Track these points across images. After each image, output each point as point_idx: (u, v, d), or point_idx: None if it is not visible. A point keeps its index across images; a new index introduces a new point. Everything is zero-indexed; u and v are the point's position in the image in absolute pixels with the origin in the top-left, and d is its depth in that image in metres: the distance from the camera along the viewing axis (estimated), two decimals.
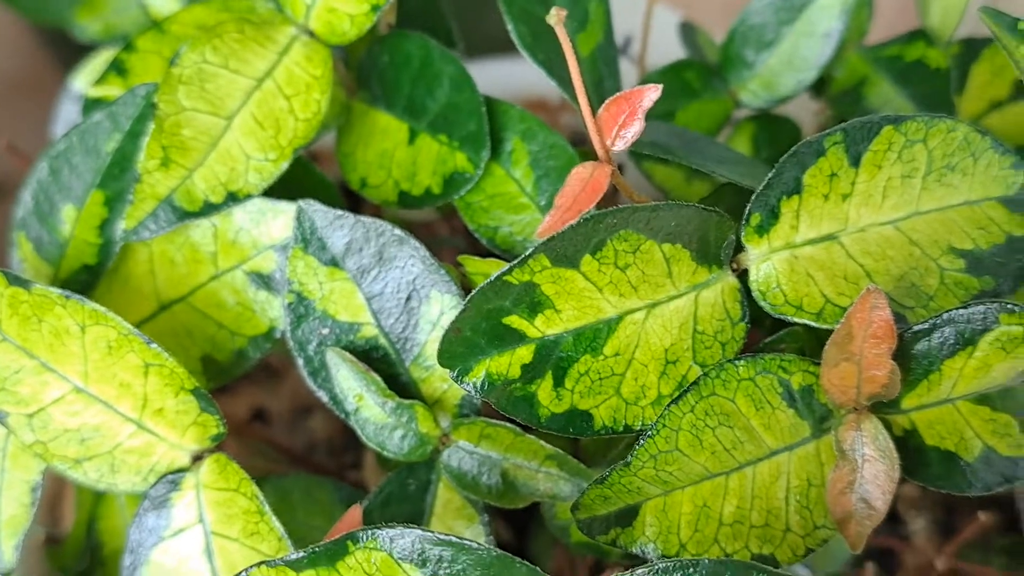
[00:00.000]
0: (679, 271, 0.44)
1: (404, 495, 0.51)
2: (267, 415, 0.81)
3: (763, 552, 0.45)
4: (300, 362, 0.50)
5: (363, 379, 0.49)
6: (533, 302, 0.43)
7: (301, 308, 0.50)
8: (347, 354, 0.49)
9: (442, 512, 0.50)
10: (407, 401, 0.49)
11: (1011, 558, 0.75)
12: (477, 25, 0.70)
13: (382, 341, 0.50)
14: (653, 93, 0.41)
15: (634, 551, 0.45)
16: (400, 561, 0.40)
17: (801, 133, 0.63)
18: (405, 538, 0.40)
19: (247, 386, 0.81)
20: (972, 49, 0.60)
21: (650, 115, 0.55)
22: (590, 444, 0.54)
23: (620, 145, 0.42)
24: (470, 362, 0.44)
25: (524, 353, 0.44)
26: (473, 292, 0.42)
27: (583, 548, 0.51)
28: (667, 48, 0.64)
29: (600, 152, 0.42)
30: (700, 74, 0.59)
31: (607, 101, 0.43)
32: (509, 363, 0.44)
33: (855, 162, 0.45)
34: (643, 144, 0.50)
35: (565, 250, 0.42)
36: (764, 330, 0.49)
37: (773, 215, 0.45)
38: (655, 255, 0.44)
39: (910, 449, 0.46)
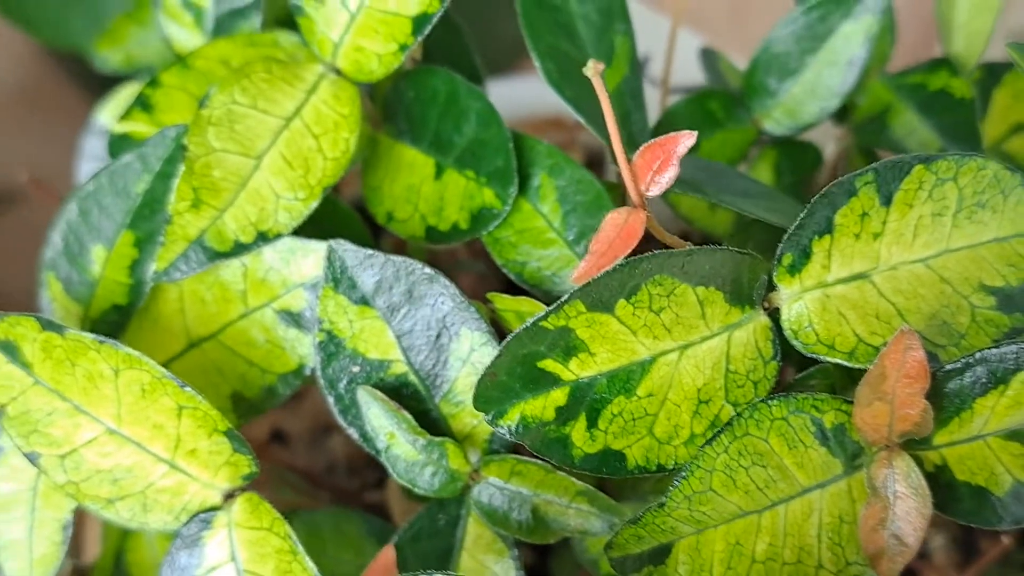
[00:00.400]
0: (712, 312, 0.45)
1: (434, 530, 0.51)
2: (286, 436, 0.81)
3: None
4: (331, 400, 0.51)
5: (394, 417, 0.49)
6: (568, 346, 0.43)
7: (331, 346, 0.50)
8: (378, 392, 0.49)
9: (472, 547, 0.50)
10: (438, 439, 0.49)
11: None
12: (489, 31, 0.71)
13: (412, 378, 0.50)
14: (688, 140, 0.41)
15: None
16: None
17: (823, 159, 0.63)
18: None
19: None
20: (994, 74, 0.60)
21: None
22: (618, 480, 0.54)
23: (655, 191, 0.43)
24: (505, 405, 0.44)
25: (558, 396, 0.44)
26: (508, 337, 0.43)
27: None
28: (685, 68, 0.64)
29: (635, 198, 0.43)
30: (724, 104, 0.59)
31: (642, 148, 0.43)
32: (544, 406, 0.44)
33: (886, 201, 0.45)
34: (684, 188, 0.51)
35: (600, 295, 0.42)
36: (794, 364, 0.49)
37: (805, 255, 0.45)
38: (689, 298, 0.44)
39: (940, 484, 0.46)
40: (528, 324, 0.42)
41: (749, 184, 0.54)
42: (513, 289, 0.52)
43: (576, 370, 0.44)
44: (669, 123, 0.58)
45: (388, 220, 0.55)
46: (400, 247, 0.65)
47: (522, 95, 0.76)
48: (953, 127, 0.56)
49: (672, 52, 0.64)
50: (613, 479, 0.54)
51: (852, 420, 0.45)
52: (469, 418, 0.50)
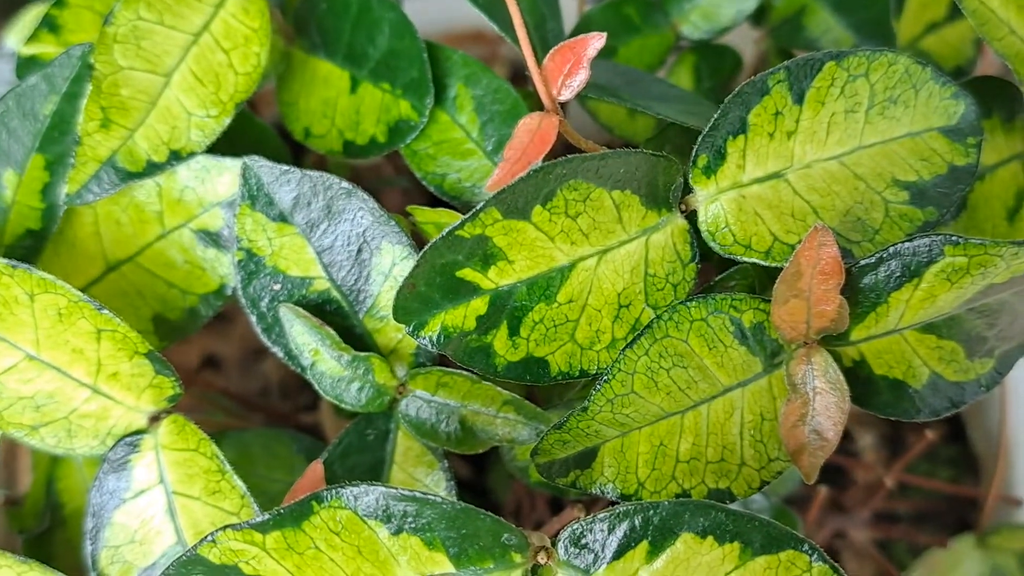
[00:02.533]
0: (629, 216, 0.45)
1: (364, 445, 0.51)
2: (219, 360, 0.81)
3: (719, 487, 0.46)
4: (253, 319, 0.50)
5: (317, 334, 0.49)
6: (486, 254, 0.43)
7: (251, 265, 0.50)
8: (300, 309, 0.49)
9: (402, 460, 0.51)
10: (363, 353, 0.49)
11: (956, 468, 0.77)
12: None
13: (335, 294, 0.50)
14: (597, 42, 0.41)
15: (593, 491, 0.46)
16: (365, 518, 0.41)
17: (743, 62, 0.63)
18: (369, 495, 0.40)
19: (197, 333, 0.80)
20: None
21: None
22: (545, 387, 0.55)
23: (566, 95, 0.42)
24: (425, 316, 0.44)
25: (479, 305, 0.44)
26: (425, 247, 0.42)
27: (542, 487, 0.51)
28: None
29: (547, 103, 0.42)
30: (640, 8, 0.59)
31: (552, 51, 0.42)
32: (464, 315, 0.44)
33: (799, 99, 0.45)
34: (589, 86, 0.50)
35: (516, 202, 0.42)
36: (715, 267, 0.49)
37: (720, 156, 0.45)
38: (605, 202, 0.44)
39: (859, 379, 0.47)
40: (445, 233, 0.42)
41: (666, 88, 0.53)
42: (438, 203, 0.52)
43: (495, 278, 0.44)
44: (585, 30, 0.57)
45: (306, 136, 0.54)
46: (322, 165, 0.64)
47: (442, 8, 0.75)
48: (867, 24, 0.56)
49: None
50: (540, 388, 0.55)
51: (770, 318, 0.45)
52: (394, 332, 0.50)
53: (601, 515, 0.41)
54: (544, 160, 0.43)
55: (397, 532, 0.41)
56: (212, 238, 0.51)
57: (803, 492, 0.68)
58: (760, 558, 0.41)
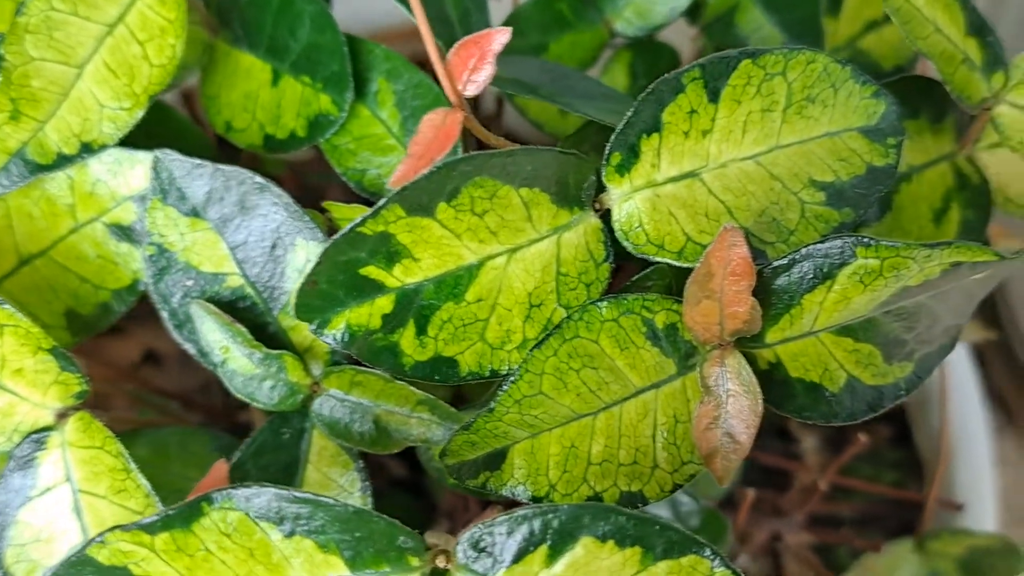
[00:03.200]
0: (539, 214, 0.44)
1: (278, 444, 0.50)
2: (160, 357, 0.80)
3: (631, 489, 0.46)
4: (164, 315, 0.49)
5: (228, 330, 0.48)
6: (390, 252, 0.42)
7: (163, 260, 0.49)
8: (210, 306, 0.48)
9: (317, 460, 0.50)
10: (275, 351, 0.48)
11: (901, 471, 0.77)
12: None
13: (249, 291, 0.49)
14: (502, 36, 0.40)
15: (504, 494, 0.45)
16: (257, 520, 0.40)
17: (680, 60, 0.62)
18: (261, 497, 0.40)
19: (138, 328, 0.79)
20: None
21: (522, 48, 0.55)
22: (475, 387, 0.54)
23: (471, 90, 0.42)
24: (328, 314, 0.43)
25: (384, 303, 0.43)
26: (327, 244, 0.42)
27: (461, 489, 0.51)
28: None
29: (452, 98, 0.42)
30: (573, 4, 0.58)
31: (456, 45, 0.42)
32: (369, 314, 0.43)
33: (714, 98, 0.45)
34: (508, 83, 0.50)
35: (419, 199, 0.42)
36: (636, 269, 0.48)
37: (633, 154, 0.45)
38: (513, 200, 0.43)
39: (775, 382, 0.46)
40: (346, 230, 0.41)
41: (593, 86, 0.53)
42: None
43: (401, 276, 0.43)
44: (514, 22, 0.57)
45: (227, 130, 0.54)
46: (255, 162, 0.64)
47: (374, 6, 0.74)
48: (796, 23, 0.56)
49: None
50: (471, 388, 0.54)
51: (683, 320, 0.45)
52: (309, 330, 0.50)
53: (500, 518, 0.40)
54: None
55: (290, 534, 0.40)
56: (125, 232, 0.50)
57: (741, 495, 0.67)
58: (662, 563, 0.40)
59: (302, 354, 0.50)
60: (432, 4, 0.52)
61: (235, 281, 0.49)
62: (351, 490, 0.50)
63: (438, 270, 0.43)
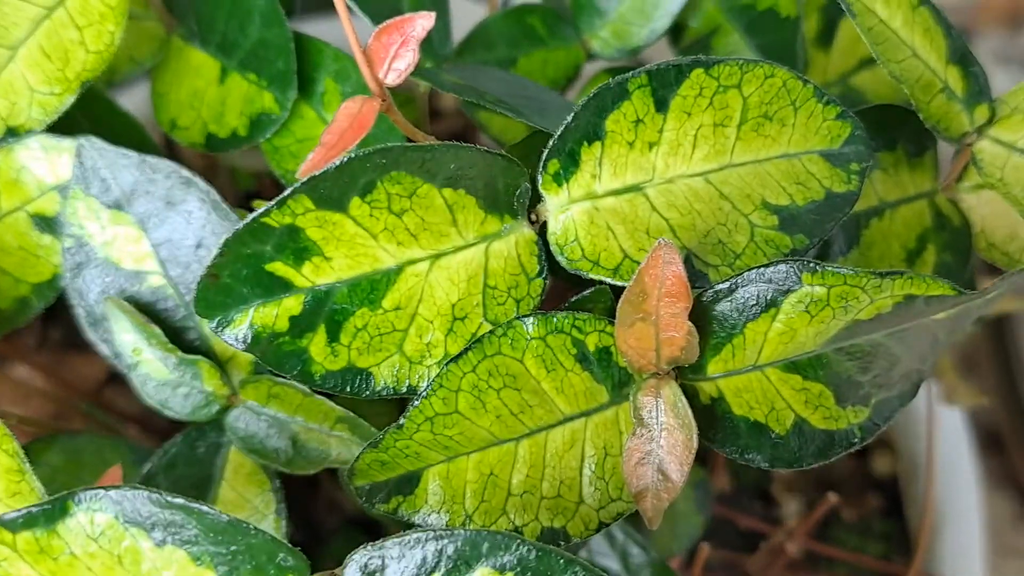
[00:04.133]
0: (465, 219, 0.41)
1: (192, 458, 0.47)
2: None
3: (554, 525, 0.42)
4: (79, 313, 0.47)
5: (142, 332, 0.45)
6: (298, 248, 0.40)
7: (81, 254, 0.46)
8: (125, 304, 0.46)
9: (232, 478, 0.47)
10: (191, 356, 0.46)
11: (889, 543, 0.73)
12: None
13: (170, 291, 0.47)
14: (426, 21, 0.38)
15: (417, 522, 0.42)
16: (127, 525, 0.37)
17: None
18: (132, 500, 0.37)
19: None
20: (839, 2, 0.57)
21: (488, 62, 0.52)
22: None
23: (392, 78, 0.39)
24: (231, 312, 0.40)
25: (292, 304, 0.40)
26: (228, 234, 0.39)
27: (373, 516, 0.47)
28: None
29: (372, 86, 0.39)
30: (546, 20, 0.55)
31: (377, 30, 0.39)
32: (275, 314, 0.40)
33: (662, 107, 0.42)
34: (461, 88, 0.47)
35: (330, 191, 0.39)
36: (574, 289, 0.45)
37: (573, 162, 0.42)
38: (436, 201, 0.40)
39: (717, 418, 0.43)
40: (249, 220, 0.39)
41: (552, 98, 0.50)
42: None
43: (311, 276, 0.40)
44: (482, 36, 0.54)
45: (171, 128, 0.51)
46: (212, 165, 0.61)
47: None
48: (773, 46, 0.53)
49: None
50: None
51: (616, 343, 0.41)
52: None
53: (392, 540, 0.37)
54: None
55: (162, 544, 0.37)
56: (48, 224, 0.48)
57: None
58: None
59: (223, 363, 0.47)
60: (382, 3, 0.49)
61: (156, 281, 0.47)
62: (266, 512, 0.47)
63: (352, 272, 0.40)
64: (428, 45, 0.50)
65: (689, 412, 0.41)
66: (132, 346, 0.45)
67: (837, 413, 0.43)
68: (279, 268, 0.40)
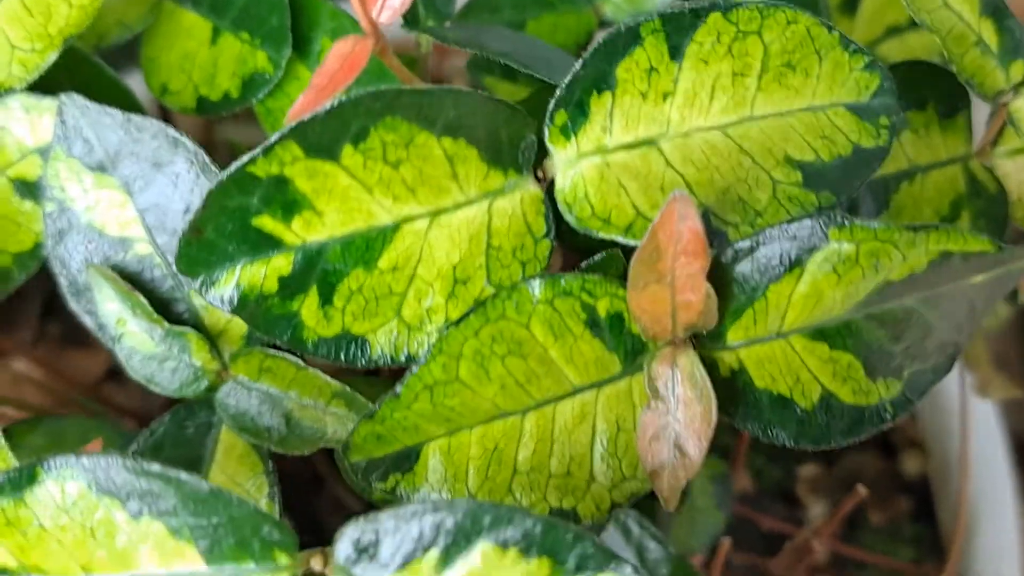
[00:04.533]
0: (467, 173, 0.38)
1: (181, 438, 0.44)
2: (122, 373, 0.75)
3: (563, 506, 0.39)
4: (62, 282, 0.44)
5: (127, 301, 0.43)
6: (287, 201, 0.37)
7: (63, 219, 0.44)
8: (108, 271, 0.43)
9: (223, 459, 0.44)
10: (179, 328, 0.43)
11: (920, 547, 0.69)
12: None
13: (158, 260, 0.44)
14: None
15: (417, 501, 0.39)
16: (100, 494, 0.34)
17: None
18: (106, 467, 0.34)
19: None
20: None
21: (493, 23, 0.49)
22: None
23: (387, 16, 0.36)
24: (216, 270, 0.37)
25: (282, 263, 0.38)
26: (212, 185, 0.36)
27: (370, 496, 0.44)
28: None
29: (365, 24, 0.36)
30: None
31: None
32: (264, 274, 0.38)
33: (677, 55, 0.39)
34: (461, 40, 0.44)
35: (320, 138, 0.36)
36: (581, 255, 0.42)
37: (582, 113, 0.39)
38: (434, 151, 0.37)
39: (738, 391, 0.40)
40: (233, 169, 0.36)
41: (561, 57, 0.47)
42: None
43: (301, 232, 0.37)
44: None
45: (162, 92, 0.49)
46: (209, 140, 0.59)
47: None
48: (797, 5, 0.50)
49: None
50: None
51: (629, 308, 0.38)
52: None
53: (387, 513, 0.34)
54: None
55: (138, 515, 0.34)
56: (30, 189, 0.45)
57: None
58: None
59: (214, 337, 0.44)
60: None
61: (143, 249, 0.44)
62: (258, 495, 0.44)
63: (345, 228, 0.38)
64: (431, 4, 0.47)
65: (708, 382, 0.38)
66: (116, 316, 0.43)
67: (867, 386, 0.40)
68: (267, 223, 0.37)
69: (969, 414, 0.61)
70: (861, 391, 0.40)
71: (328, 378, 0.42)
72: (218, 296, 0.38)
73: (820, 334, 0.39)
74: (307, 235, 0.37)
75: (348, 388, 0.42)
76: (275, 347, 0.43)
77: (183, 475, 0.34)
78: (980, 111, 0.46)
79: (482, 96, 0.37)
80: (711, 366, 0.39)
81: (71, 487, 0.34)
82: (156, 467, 0.34)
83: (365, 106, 0.36)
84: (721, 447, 0.60)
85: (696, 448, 0.38)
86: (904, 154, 0.45)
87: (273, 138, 0.36)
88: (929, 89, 0.45)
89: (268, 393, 0.43)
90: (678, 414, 0.38)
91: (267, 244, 0.37)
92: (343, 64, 0.36)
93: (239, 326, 0.44)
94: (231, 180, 0.36)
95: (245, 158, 0.36)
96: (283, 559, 0.34)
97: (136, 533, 0.34)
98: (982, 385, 0.60)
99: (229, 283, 0.38)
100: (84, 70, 0.49)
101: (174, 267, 0.43)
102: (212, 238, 0.37)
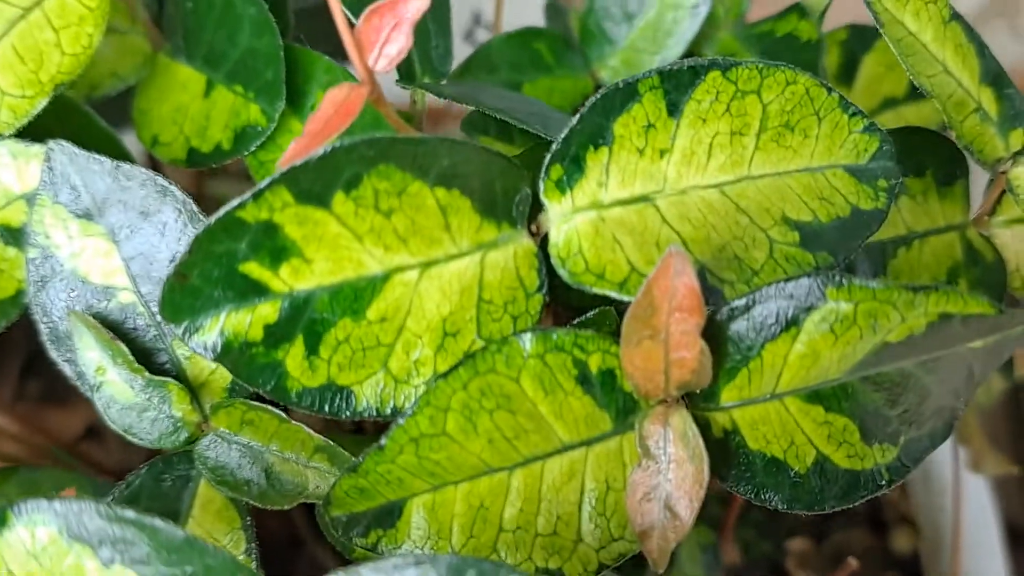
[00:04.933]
0: (460, 224, 0.38)
1: (158, 491, 0.43)
2: (101, 432, 0.74)
3: (549, 566, 0.38)
4: (43, 330, 0.43)
5: (108, 349, 0.42)
6: (276, 248, 0.36)
7: (47, 266, 0.43)
8: (90, 319, 0.42)
9: (200, 514, 0.43)
10: (159, 378, 0.42)
11: None
12: None
13: (141, 310, 0.43)
14: (420, 3, 0.35)
15: None
16: (72, 541, 0.33)
17: None
18: (78, 513, 0.33)
19: (83, 401, 0.73)
20: (863, 38, 0.54)
21: (493, 81, 0.49)
22: None
23: (383, 64, 0.36)
24: (200, 317, 0.37)
25: (268, 310, 0.37)
26: (199, 229, 0.35)
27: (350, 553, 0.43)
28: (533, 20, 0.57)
29: (360, 72, 0.36)
30: (553, 46, 0.53)
31: (367, 10, 0.36)
32: (249, 321, 0.37)
33: (675, 112, 0.39)
34: (457, 96, 0.44)
35: (311, 185, 0.35)
36: (573, 313, 0.42)
37: (577, 168, 0.39)
38: (427, 201, 0.37)
39: (730, 453, 0.39)
40: (221, 213, 0.35)
41: (557, 116, 0.47)
42: None
43: (289, 279, 0.37)
44: (484, 59, 0.51)
45: (153, 144, 0.48)
46: (200, 194, 0.58)
47: None
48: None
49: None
50: None
51: (622, 365, 0.38)
52: (207, 362, 0.43)
53: (367, 567, 0.33)
54: None
55: (109, 563, 0.33)
56: (14, 236, 0.45)
57: None
58: None
59: (196, 389, 0.43)
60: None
61: (127, 298, 0.43)
62: (235, 551, 0.43)
63: (334, 277, 0.37)
64: (427, 62, 0.47)
65: (700, 442, 0.37)
66: (96, 364, 0.42)
67: (863, 451, 0.39)
68: (254, 269, 0.36)
69: (962, 490, 0.60)
70: (856, 456, 0.39)
71: (311, 432, 0.41)
72: (202, 343, 0.37)
73: (816, 396, 0.38)
74: (295, 283, 0.37)
75: (331, 443, 0.41)
76: (259, 399, 0.42)
77: (158, 522, 0.32)
78: (978, 180, 0.46)
79: (477, 147, 0.37)
80: (704, 426, 0.39)
81: (41, 532, 0.33)
82: (130, 513, 0.32)
83: (359, 153, 0.35)
84: (711, 517, 0.59)
85: (687, 509, 0.37)
86: (902, 220, 0.44)
87: (264, 183, 0.35)
88: (928, 156, 0.45)
89: (248, 446, 0.42)
90: (669, 474, 0.37)
91: (254, 291, 0.37)
92: (337, 110, 0.35)
93: (222, 378, 0.43)
94: (219, 225, 0.35)
95: (235, 202, 0.35)
96: None
97: None
98: (975, 461, 0.59)
99: (213, 330, 0.37)
100: (75, 119, 0.48)
101: (158, 316, 0.42)
102: (197, 284, 0.36)
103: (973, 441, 0.59)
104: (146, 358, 0.43)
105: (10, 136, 0.44)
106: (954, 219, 0.45)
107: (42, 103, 0.44)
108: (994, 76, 0.43)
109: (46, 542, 0.33)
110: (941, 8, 0.43)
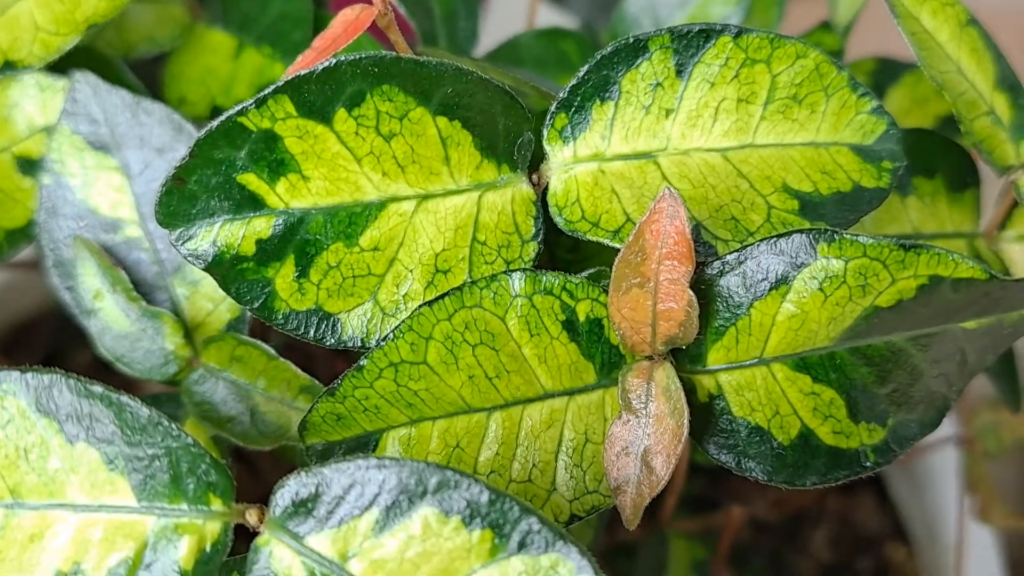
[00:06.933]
0: (459, 159, 0.38)
1: None
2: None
3: None
4: (48, 255, 0.44)
5: (108, 276, 0.42)
6: (275, 160, 0.37)
7: (59, 194, 0.44)
8: (94, 245, 0.43)
9: None
10: (154, 308, 0.42)
11: None
12: None
13: (146, 244, 0.44)
14: None
15: None
16: (39, 414, 0.33)
17: None
18: (48, 385, 0.33)
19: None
20: (890, 70, 0.54)
21: None
22: None
23: None
24: (195, 225, 0.37)
25: (261, 225, 0.37)
26: (200, 133, 0.36)
27: None
28: None
29: None
30: (581, 47, 0.53)
31: None
32: (242, 235, 0.37)
33: (682, 73, 0.39)
34: (478, 63, 0.45)
35: (314, 98, 0.36)
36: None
37: (582, 119, 0.39)
38: (429, 130, 0.37)
39: (714, 417, 0.38)
40: (223, 118, 0.36)
41: None
42: None
43: (285, 196, 0.37)
44: (510, 51, 0.52)
45: (179, 103, 0.49)
46: None
47: None
48: None
49: None
50: None
51: (609, 312, 0.37)
52: (205, 302, 0.44)
53: (330, 467, 0.33)
54: None
55: (74, 439, 0.33)
56: (31, 166, 0.46)
57: None
58: (515, 558, 0.32)
59: (192, 329, 0.44)
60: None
61: (133, 232, 0.44)
62: None
63: (330, 198, 0.37)
64: (453, 40, 0.48)
65: (682, 396, 0.37)
66: (94, 290, 0.42)
67: (849, 428, 0.38)
68: (252, 181, 0.37)
69: (966, 541, 0.58)
70: (842, 433, 0.38)
71: (298, 371, 0.42)
72: (193, 251, 0.37)
73: (803, 364, 0.38)
74: (291, 200, 0.37)
75: (316, 382, 0.41)
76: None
77: (124, 398, 0.33)
78: (989, 193, 0.46)
79: (481, 77, 0.37)
80: (689, 390, 0.38)
81: (10, 404, 0.33)
82: (98, 388, 0.33)
83: (363, 68, 0.36)
84: (707, 538, 0.58)
85: (664, 465, 0.37)
86: (908, 219, 0.44)
87: (267, 90, 0.36)
88: (939, 159, 0.45)
89: (236, 383, 0.42)
90: (649, 428, 0.37)
91: (249, 204, 0.37)
92: (346, 28, 0.36)
93: (218, 319, 0.44)
94: (220, 129, 0.36)
95: (236, 107, 0.36)
96: (217, 504, 0.33)
97: (69, 460, 0.33)
98: (982, 510, 0.57)
99: (206, 239, 0.37)
100: (108, 73, 0.49)
101: (162, 255, 0.43)
102: (194, 190, 0.37)
103: (981, 489, 0.58)
104: (146, 294, 0.44)
105: (39, 69, 0.45)
106: (963, 227, 0.45)
107: (74, 40, 0.45)
108: (1010, 83, 0.43)
109: (14, 413, 0.33)
110: (959, 12, 0.43)
